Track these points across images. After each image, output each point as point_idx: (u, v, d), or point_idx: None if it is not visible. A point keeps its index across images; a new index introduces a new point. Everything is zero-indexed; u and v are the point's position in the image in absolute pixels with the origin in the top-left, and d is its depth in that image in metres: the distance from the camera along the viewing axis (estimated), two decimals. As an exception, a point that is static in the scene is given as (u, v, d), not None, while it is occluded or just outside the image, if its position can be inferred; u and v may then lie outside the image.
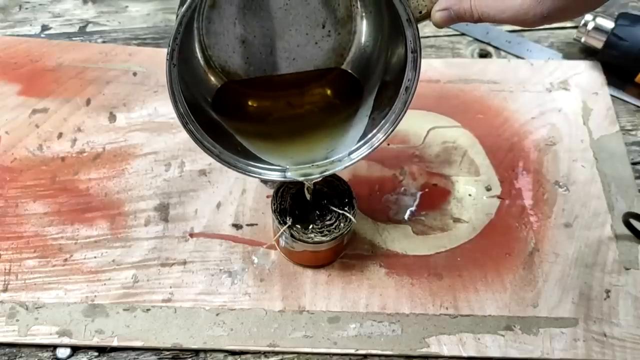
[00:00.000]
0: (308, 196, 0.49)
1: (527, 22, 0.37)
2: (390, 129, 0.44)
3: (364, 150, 0.46)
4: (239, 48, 0.46)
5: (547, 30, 0.71)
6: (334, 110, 0.49)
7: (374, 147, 0.45)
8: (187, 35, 0.44)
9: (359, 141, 0.46)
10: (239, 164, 0.45)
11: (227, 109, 0.47)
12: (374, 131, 0.45)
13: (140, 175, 0.57)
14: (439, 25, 0.41)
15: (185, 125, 0.41)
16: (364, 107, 0.47)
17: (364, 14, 0.47)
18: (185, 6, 0.36)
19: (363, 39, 0.48)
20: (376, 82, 0.47)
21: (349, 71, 0.48)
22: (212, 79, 0.47)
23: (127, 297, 0.50)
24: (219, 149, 0.44)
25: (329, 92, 0.49)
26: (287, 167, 0.46)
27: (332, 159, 0.46)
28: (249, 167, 0.45)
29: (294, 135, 0.48)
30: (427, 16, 0.41)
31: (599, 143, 0.61)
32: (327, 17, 0.46)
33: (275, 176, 0.46)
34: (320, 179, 0.46)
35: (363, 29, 0.47)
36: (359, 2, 0.46)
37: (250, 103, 0.49)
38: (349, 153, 0.46)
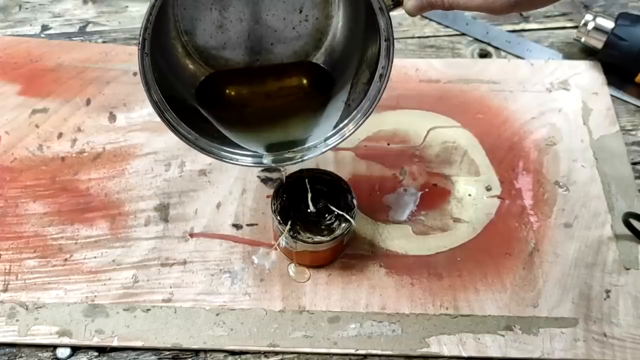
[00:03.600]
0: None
1: (495, 10, 0.37)
2: (369, 112, 0.44)
3: (337, 138, 0.46)
4: (215, 34, 0.46)
5: (547, 30, 0.71)
6: (311, 98, 0.49)
7: (345, 136, 0.46)
8: (163, 22, 0.44)
9: (335, 127, 0.46)
10: (214, 150, 0.45)
11: (206, 98, 0.47)
12: (347, 119, 0.45)
13: (140, 175, 0.57)
14: (411, 13, 0.41)
15: (160, 114, 0.41)
16: (340, 94, 0.47)
17: None
18: None
19: (340, 24, 0.48)
20: (353, 69, 0.47)
21: (321, 65, 0.49)
22: (190, 65, 0.47)
23: (127, 297, 0.50)
24: (195, 136, 0.44)
25: (305, 81, 0.50)
26: (264, 153, 0.46)
27: (309, 144, 0.47)
28: (225, 153, 0.45)
29: (272, 122, 0.48)
30: (399, 4, 0.41)
31: (599, 143, 0.61)
32: (304, 2, 0.46)
33: (251, 162, 0.46)
34: (296, 164, 0.47)
35: (340, 13, 0.47)
36: None
37: (229, 92, 0.49)
38: (325, 139, 0.46)
